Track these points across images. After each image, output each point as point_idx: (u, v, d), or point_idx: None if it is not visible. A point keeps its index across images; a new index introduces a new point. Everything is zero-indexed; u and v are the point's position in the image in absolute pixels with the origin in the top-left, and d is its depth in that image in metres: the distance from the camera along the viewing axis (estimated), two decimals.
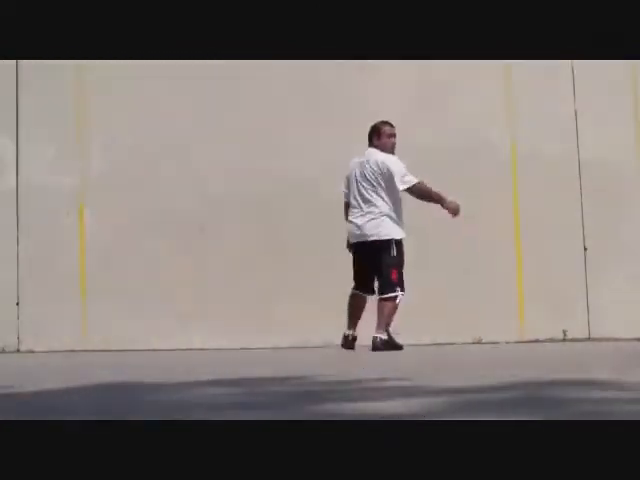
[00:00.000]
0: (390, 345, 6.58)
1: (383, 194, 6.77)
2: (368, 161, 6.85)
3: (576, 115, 8.00)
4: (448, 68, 7.83)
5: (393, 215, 6.78)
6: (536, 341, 7.69)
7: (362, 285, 6.86)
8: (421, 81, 8.14)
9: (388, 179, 6.75)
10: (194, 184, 8.33)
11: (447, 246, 7.97)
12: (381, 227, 6.72)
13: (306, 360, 5.63)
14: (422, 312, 7.89)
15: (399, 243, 6.75)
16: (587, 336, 7.78)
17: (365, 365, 4.90)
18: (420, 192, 6.76)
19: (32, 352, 8.28)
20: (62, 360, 6.60)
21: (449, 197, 6.84)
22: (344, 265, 8.03)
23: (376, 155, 6.86)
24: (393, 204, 6.79)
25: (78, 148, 8.59)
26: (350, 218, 6.89)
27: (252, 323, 7.97)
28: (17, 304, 8.57)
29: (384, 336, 6.61)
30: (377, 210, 6.75)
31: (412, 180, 6.73)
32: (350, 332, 6.80)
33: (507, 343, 7.66)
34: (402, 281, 6.69)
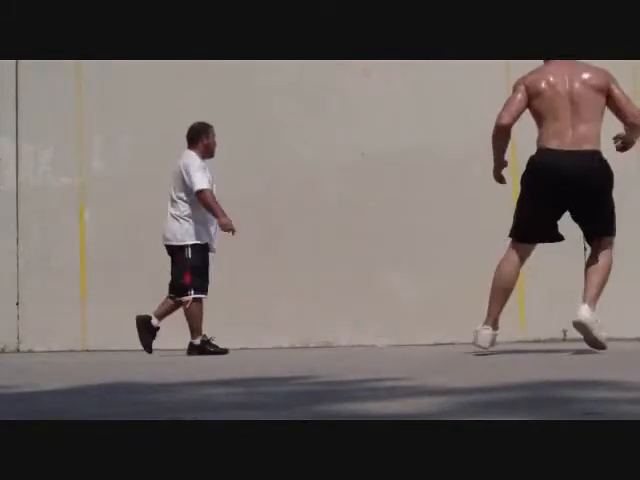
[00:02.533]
0: (202, 350, 6.54)
1: (185, 199, 6.72)
2: (179, 163, 6.82)
3: None
4: (448, 68, 7.83)
5: (198, 219, 6.71)
6: (536, 341, 7.69)
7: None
8: (421, 81, 8.14)
9: (187, 180, 6.69)
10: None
11: (447, 246, 7.98)
12: (179, 232, 6.69)
13: (306, 360, 5.63)
14: (422, 312, 7.89)
15: (197, 247, 6.68)
16: None
17: (365, 365, 4.90)
18: (204, 203, 6.66)
19: (32, 352, 8.28)
20: (62, 360, 6.60)
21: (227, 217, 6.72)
22: (344, 265, 8.04)
23: (183, 157, 6.82)
24: (199, 208, 6.70)
25: (78, 148, 8.59)
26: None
27: (252, 323, 7.97)
28: (17, 304, 8.57)
29: (196, 341, 6.62)
30: (179, 214, 6.71)
31: (199, 186, 6.63)
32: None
33: (507, 343, 7.65)
34: (199, 284, 6.66)
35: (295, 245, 8.14)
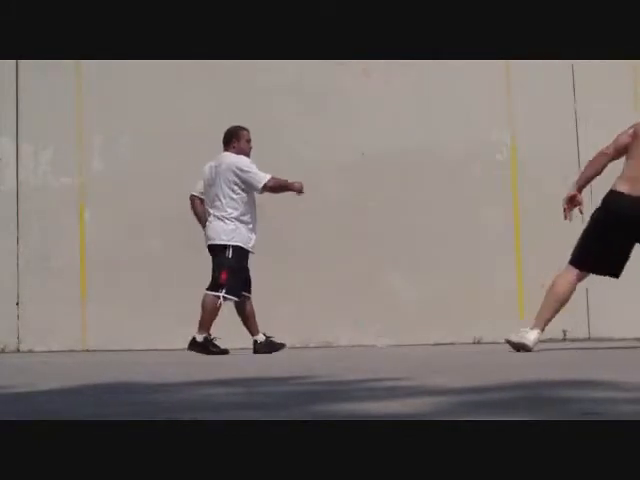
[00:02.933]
0: (203, 347, 6.51)
1: (234, 198, 6.70)
2: (220, 164, 6.74)
3: (576, 115, 8.00)
4: (448, 68, 7.83)
5: (243, 220, 6.72)
6: None
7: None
8: (421, 81, 8.14)
9: (242, 181, 6.67)
10: (194, 184, 8.33)
11: (447, 246, 7.98)
12: (224, 232, 6.68)
13: (306, 360, 5.62)
14: (422, 312, 7.89)
15: (238, 249, 6.69)
16: (587, 336, 7.78)
17: (365, 365, 4.90)
18: (278, 185, 6.70)
19: (32, 352, 8.28)
20: (62, 360, 6.60)
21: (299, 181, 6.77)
22: (344, 265, 8.04)
23: (229, 158, 6.76)
24: (244, 209, 6.72)
25: (78, 148, 8.59)
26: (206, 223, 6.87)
27: None
28: (17, 304, 8.57)
29: (199, 337, 6.56)
30: (225, 215, 6.69)
31: (266, 176, 6.65)
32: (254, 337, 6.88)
33: None
34: (233, 285, 6.65)
35: (295, 245, 8.13)
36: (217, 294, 6.63)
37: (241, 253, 6.70)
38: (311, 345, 7.59)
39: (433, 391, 2.77)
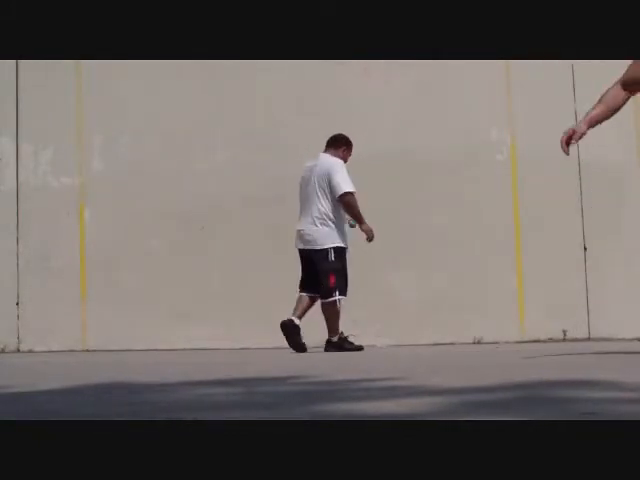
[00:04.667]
0: (339, 347, 6.69)
1: (329, 199, 6.78)
2: (316, 165, 6.85)
3: (576, 115, 8.00)
4: (448, 68, 7.83)
5: (336, 220, 6.81)
6: (536, 341, 7.69)
7: (307, 287, 6.96)
8: (421, 81, 8.14)
9: (328, 183, 6.76)
10: (194, 184, 8.33)
11: (447, 246, 7.98)
12: (319, 236, 6.77)
13: (306, 360, 5.63)
14: (422, 312, 7.89)
15: (339, 250, 6.78)
16: (587, 336, 7.78)
17: (364, 365, 4.90)
18: (352, 205, 6.77)
19: (32, 352, 8.28)
20: (62, 360, 6.60)
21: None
22: None
23: (325, 159, 6.85)
24: (337, 208, 6.81)
25: (78, 148, 8.59)
26: (298, 224, 6.93)
27: (252, 323, 7.98)
28: (17, 304, 8.57)
29: (334, 338, 6.75)
30: (321, 217, 6.79)
31: (350, 187, 6.71)
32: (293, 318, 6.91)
33: (507, 343, 7.66)
34: (342, 285, 6.77)
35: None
36: (333, 299, 6.75)
37: (341, 252, 6.80)
38: (311, 345, 7.58)
39: (433, 391, 2.78)
